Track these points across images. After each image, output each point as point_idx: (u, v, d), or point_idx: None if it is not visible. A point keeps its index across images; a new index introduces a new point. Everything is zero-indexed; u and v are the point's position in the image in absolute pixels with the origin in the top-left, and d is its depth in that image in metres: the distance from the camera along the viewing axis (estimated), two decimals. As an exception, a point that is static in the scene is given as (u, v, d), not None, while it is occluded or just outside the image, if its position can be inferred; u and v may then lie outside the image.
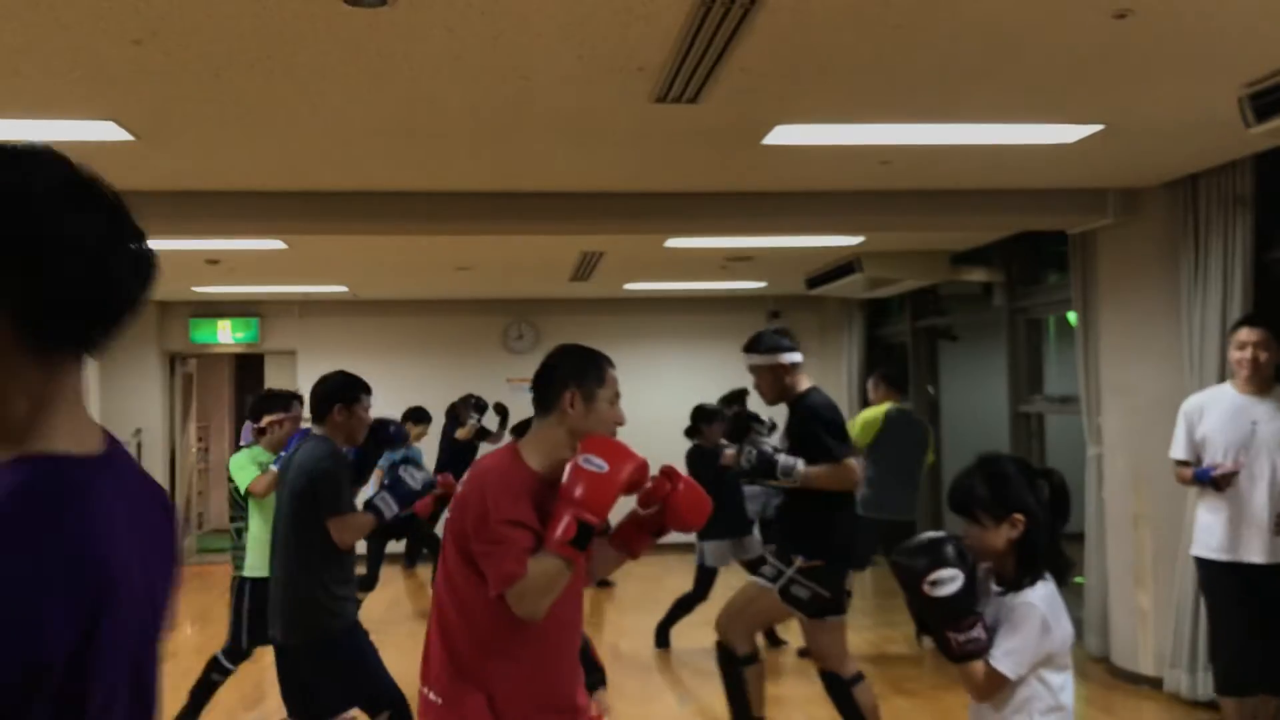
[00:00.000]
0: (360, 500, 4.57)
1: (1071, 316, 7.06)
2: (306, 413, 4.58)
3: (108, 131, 4.51)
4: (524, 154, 5.16)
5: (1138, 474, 6.24)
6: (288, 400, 5.73)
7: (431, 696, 2.69)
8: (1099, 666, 6.42)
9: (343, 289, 10.54)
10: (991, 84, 4.14)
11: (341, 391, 4.34)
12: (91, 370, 10.88)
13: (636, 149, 5.08)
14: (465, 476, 2.79)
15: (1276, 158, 5.23)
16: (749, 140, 4.87)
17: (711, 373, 11.39)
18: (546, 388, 2.75)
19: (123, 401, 11.15)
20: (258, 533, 5.36)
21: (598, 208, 6.11)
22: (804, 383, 4.72)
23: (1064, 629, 2.59)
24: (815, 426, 4.58)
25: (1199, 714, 5.57)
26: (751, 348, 4.77)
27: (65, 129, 4.51)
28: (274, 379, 11.90)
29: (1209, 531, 4.77)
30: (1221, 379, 5.47)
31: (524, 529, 2.58)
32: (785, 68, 3.89)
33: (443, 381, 11.08)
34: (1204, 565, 4.83)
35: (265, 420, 5.63)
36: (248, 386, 13.80)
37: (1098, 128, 4.77)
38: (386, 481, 4.51)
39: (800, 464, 4.53)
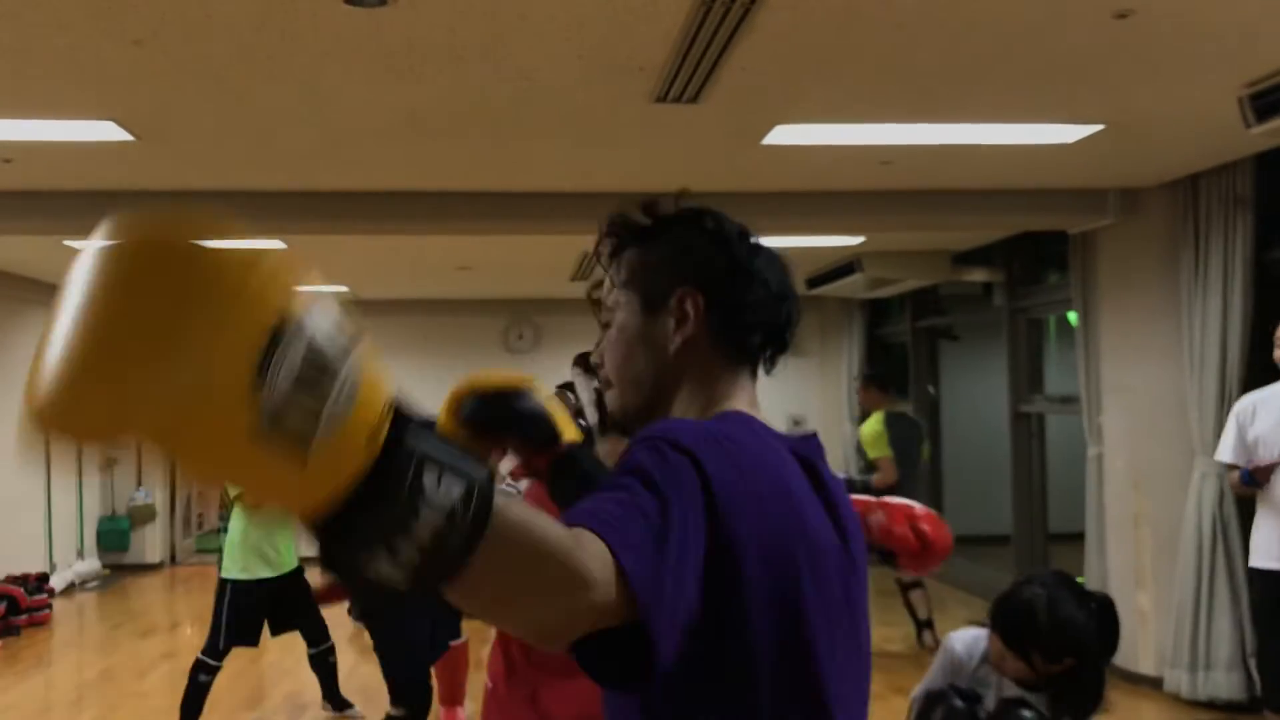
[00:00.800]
0: None
1: (1072, 316, 7.06)
2: None
3: (108, 131, 4.51)
4: (524, 154, 5.15)
5: (1138, 474, 6.23)
6: None
7: (488, 683, 2.83)
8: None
9: (343, 289, 10.54)
10: (992, 84, 4.14)
11: None
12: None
13: (636, 149, 5.07)
14: (526, 487, 2.82)
15: (1276, 158, 5.23)
16: (749, 140, 4.87)
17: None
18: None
19: (123, 401, 11.15)
20: (234, 536, 5.38)
21: (598, 208, 6.05)
22: None
23: None
24: None
25: (1199, 714, 5.56)
26: None
27: (65, 129, 4.51)
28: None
29: (1267, 540, 4.55)
30: (1222, 379, 5.48)
31: None
32: (785, 68, 3.89)
33: (443, 382, 11.05)
34: (1261, 576, 4.59)
35: None
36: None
37: (1098, 128, 4.77)
38: None
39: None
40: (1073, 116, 4.66)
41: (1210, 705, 5.54)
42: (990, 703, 2.49)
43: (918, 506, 2.80)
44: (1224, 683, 5.48)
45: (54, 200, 5.74)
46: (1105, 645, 2.52)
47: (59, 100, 4.16)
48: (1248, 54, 3.87)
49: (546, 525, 0.91)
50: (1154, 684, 5.92)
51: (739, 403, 1.30)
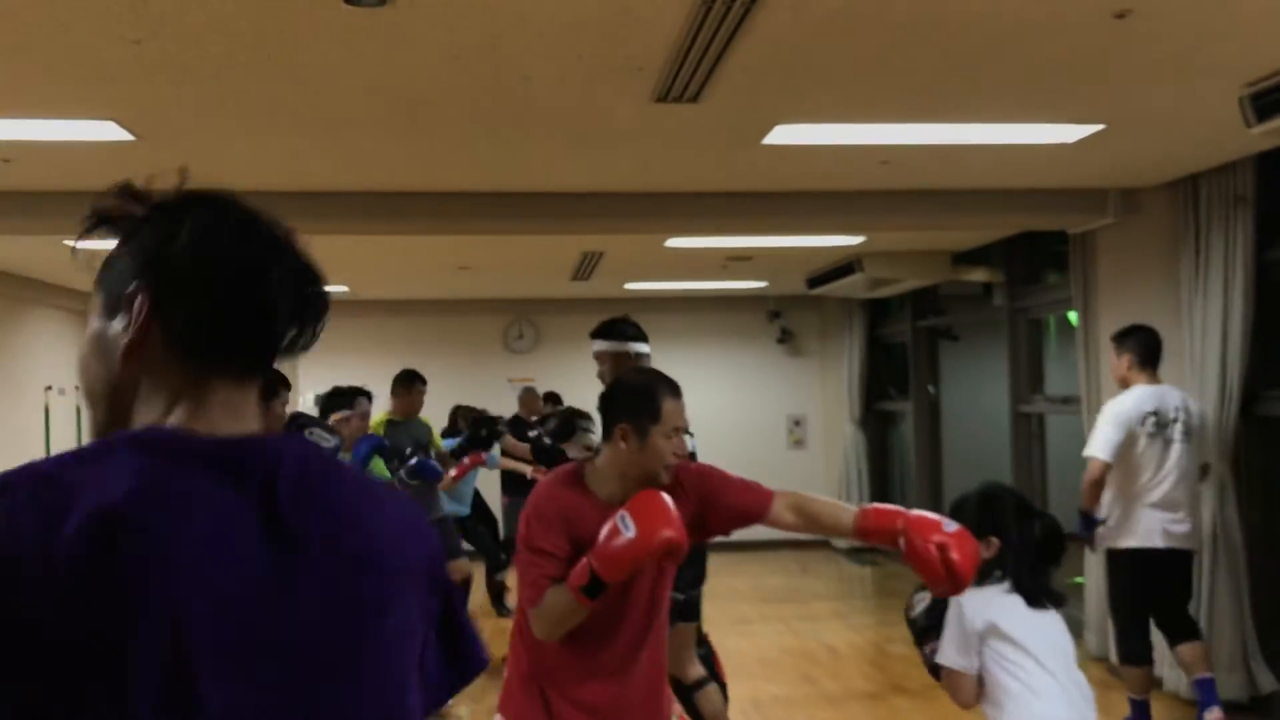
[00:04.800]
0: None
1: (1072, 316, 7.06)
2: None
3: (108, 131, 4.51)
4: (524, 154, 5.16)
5: (1138, 474, 6.23)
6: (353, 397, 5.72)
7: (506, 671, 2.86)
8: (1099, 666, 6.41)
9: (343, 289, 10.53)
10: (992, 84, 4.14)
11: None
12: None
13: (636, 149, 5.07)
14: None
15: (1276, 158, 5.23)
16: (749, 140, 4.87)
17: (712, 373, 11.40)
18: (605, 418, 2.76)
19: (123, 401, 11.15)
20: None
21: (598, 208, 6.11)
22: None
23: (991, 615, 2.75)
24: None
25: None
26: (602, 334, 4.64)
27: (65, 129, 4.51)
28: (274, 379, 11.89)
29: (1136, 522, 5.14)
30: (1222, 379, 5.47)
31: (549, 558, 2.62)
32: (785, 68, 3.89)
33: (443, 382, 11.07)
34: (1130, 555, 5.19)
35: (332, 418, 5.58)
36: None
37: (1098, 128, 4.77)
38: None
39: None
40: (1073, 116, 4.66)
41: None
42: None
43: (947, 524, 2.64)
44: (1224, 683, 5.47)
45: (54, 200, 5.73)
46: (1045, 550, 2.84)
47: (59, 100, 4.16)
48: (1248, 54, 3.87)
49: None
50: (1154, 684, 5.92)
51: (195, 418, 1.11)
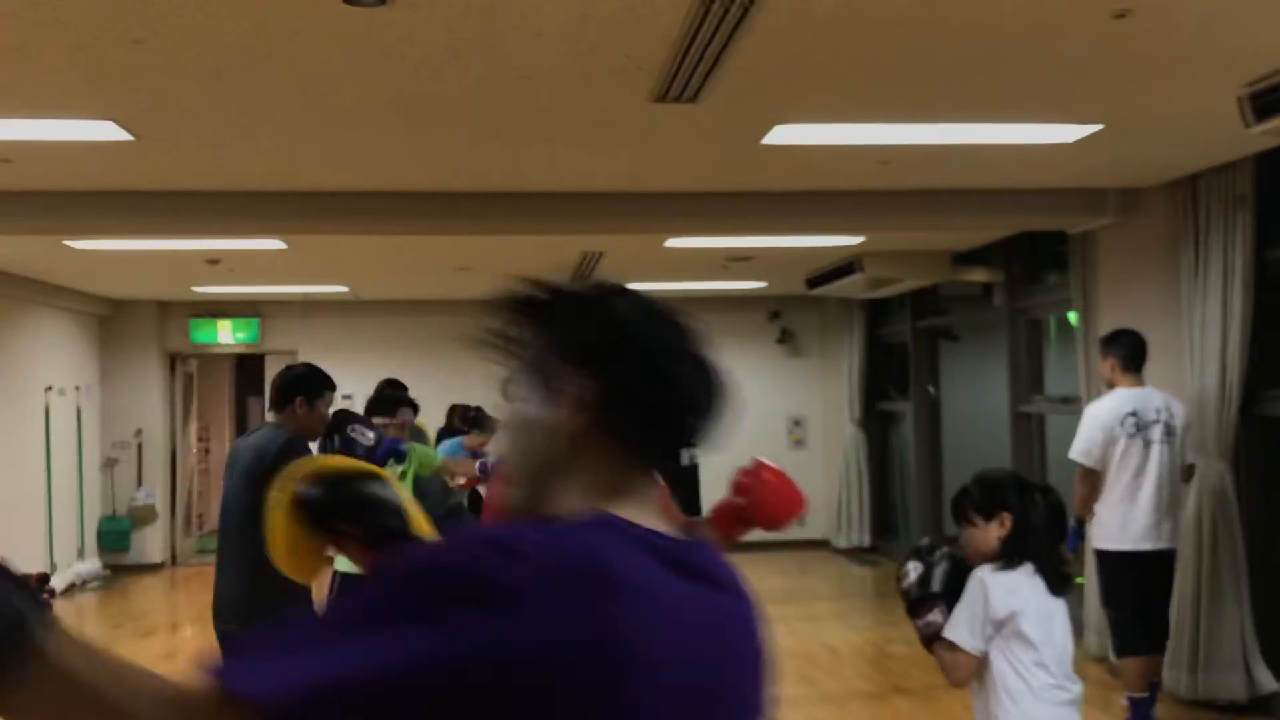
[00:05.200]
0: None
1: (1072, 316, 7.06)
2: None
3: (108, 131, 4.51)
4: (524, 154, 5.16)
5: (1138, 474, 6.23)
6: (396, 405, 5.67)
7: None
8: (1099, 666, 6.41)
9: (343, 289, 10.53)
10: (992, 84, 4.14)
11: (306, 384, 4.27)
12: (93, 371, 10.89)
13: (636, 149, 5.08)
14: None
15: (1276, 158, 5.23)
16: (749, 140, 4.87)
17: (712, 373, 11.38)
18: None
19: (123, 401, 11.16)
20: None
21: (598, 208, 6.11)
22: None
23: (1015, 605, 2.70)
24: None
25: (1199, 714, 5.56)
26: None
27: (65, 129, 4.52)
28: (273, 379, 11.88)
29: (1114, 522, 5.23)
30: (1222, 379, 5.47)
31: None
32: (785, 68, 3.89)
33: (443, 382, 11.08)
34: (1112, 556, 5.29)
35: (374, 422, 5.50)
36: (248, 387, 13.82)
37: (1098, 128, 4.77)
38: (337, 447, 4.46)
39: None
40: (1073, 116, 4.66)
41: (1210, 705, 5.53)
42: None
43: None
44: (1224, 683, 5.48)
45: (54, 200, 5.74)
46: (1050, 526, 2.81)
47: (59, 100, 4.16)
48: (1248, 54, 3.87)
49: (113, 677, 0.96)
50: (1154, 673, 5.92)
51: (621, 506, 1.15)
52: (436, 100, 4.23)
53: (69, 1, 3.15)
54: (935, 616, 2.76)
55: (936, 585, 2.78)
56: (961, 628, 2.73)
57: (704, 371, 1.21)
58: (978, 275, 8.34)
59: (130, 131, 4.55)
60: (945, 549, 2.85)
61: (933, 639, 2.78)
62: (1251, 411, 5.53)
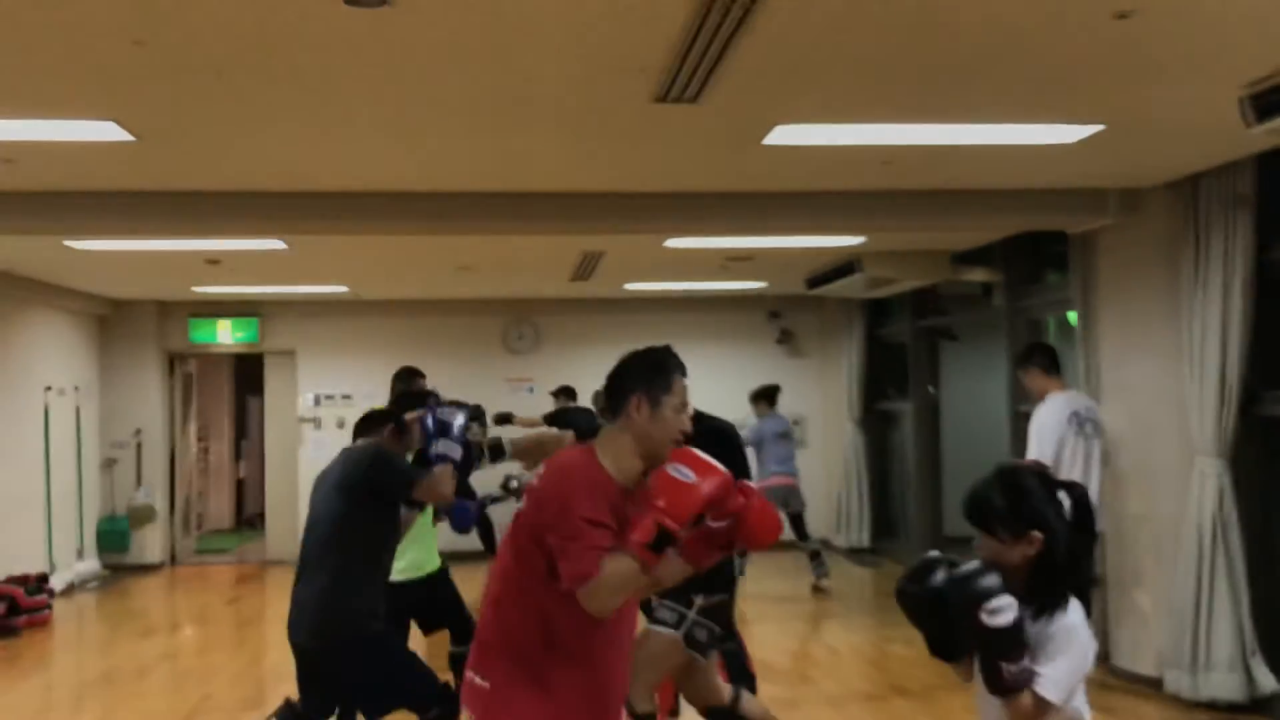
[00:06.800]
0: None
1: (1072, 316, 7.06)
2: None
3: (108, 131, 4.51)
4: (524, 154, 5.16)
5: (1138, 474, 6.23)
6: (425, 399, 5.65)
7: (478, 681, 2.74)
8: (1099, 667, 6.42)
9: (343, 289, 10.53)
10: (992, 84, 4.14)
11: (394, 417, 4.50)
12: (92, 371, 10.89)
13: (636, 149, 5.08)
14: (542, 470, 2.80)
15: (1276, 158, 5.23)
16: (749, 140, 4.87)
17: (712, 373, 11.38)
18: (617, 393, 2.76)
19: (123, 401, 11.16)
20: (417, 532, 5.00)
21: (598, 208, 6.10)
22: None
23: (1095, 647, 2.54)
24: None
25: (1199, 714, 5.56)
26: None
27: (65, 129, 4.52)
28: (274, 379, 11.90)
29: None
30: (1222, 379, 5.48)
31: (603, 528, 2.60)
32: (785, 68, 3.89)
33: (443, 382, 11.06)
34: None
35: (406, 417, 5.42)
36: (247, 387, 13.82)
37: (1098, 128, 4.77)
38: (432, 429, 4.35)
39: None
40: (1073, 116, 4.66)
41: (1210, 706, 5.53)
42: None
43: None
44: (1224, 683, 5.48)
45: (54, 200, 5.74)
46: (1079, 525, 2.54)
47: (59, 100, 4.16)
48: (1248, 54, 3.87)
49: None
50: (1154, 684, 5.92)
51: None
52: (437, 101, 4.23)
53: (70, 2, 3.15)
54: (1028, 663, 2.41)
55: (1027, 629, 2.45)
56: (1063, 683, 2.43)
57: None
58: (978, 275, 8.34)
59: (131, 132, 4.55)
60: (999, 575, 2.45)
61: (1019, 688, 2.41)
62: (1251, 411, 5.54)
